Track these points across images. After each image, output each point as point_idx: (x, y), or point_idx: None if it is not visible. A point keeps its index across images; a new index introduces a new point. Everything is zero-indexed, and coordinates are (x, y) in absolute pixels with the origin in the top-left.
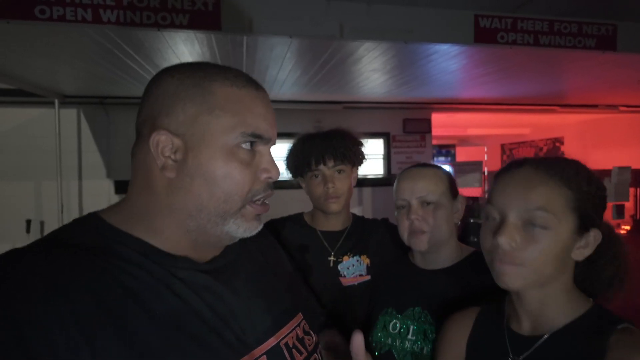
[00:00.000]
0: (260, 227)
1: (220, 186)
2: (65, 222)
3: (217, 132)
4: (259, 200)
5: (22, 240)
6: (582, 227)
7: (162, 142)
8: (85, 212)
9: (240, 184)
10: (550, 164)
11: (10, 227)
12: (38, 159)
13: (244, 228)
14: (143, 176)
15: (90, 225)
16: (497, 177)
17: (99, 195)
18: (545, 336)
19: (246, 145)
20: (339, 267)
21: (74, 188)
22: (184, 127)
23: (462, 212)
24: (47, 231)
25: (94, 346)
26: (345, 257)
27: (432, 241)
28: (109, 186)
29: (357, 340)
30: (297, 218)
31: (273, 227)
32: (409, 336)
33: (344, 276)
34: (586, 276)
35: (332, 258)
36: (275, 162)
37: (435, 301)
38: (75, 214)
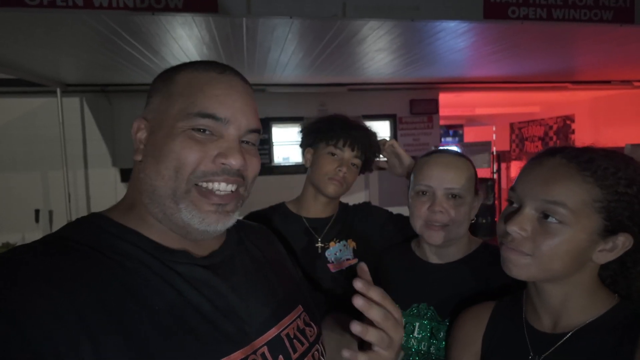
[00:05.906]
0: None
1: (164, 163)
2: (73, 211)
3: (170, 116)
4: (208, 183)
5: (32, 229)
6: (609, 230)
7: (139, 128)
8: (92, 201)
9: (183, 161)
10: (589, 157)
11: (20, 217)
12: (43, 149)
13: (198, 218)
14: (133, 167)
15: (92, 223)
16: (528, 162)
17: (105, 183)
18: (569, 334)
19: (201, 129)
20: (326, 253)
21: (80, 177)
22: (151, 114)
23: (477, 210)
24: (55, 220)
25: (94, 341)
26: (332, 243)
27: (449, 237)
28: (115, 174)
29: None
30: (280, 208)
31: (255, 220)
32: (415, 334)
33: (332, 262)
34: (617, 280)
35: (319, 244)
36: (239, 151)
37: (442, 297)
38: (82, 203)
